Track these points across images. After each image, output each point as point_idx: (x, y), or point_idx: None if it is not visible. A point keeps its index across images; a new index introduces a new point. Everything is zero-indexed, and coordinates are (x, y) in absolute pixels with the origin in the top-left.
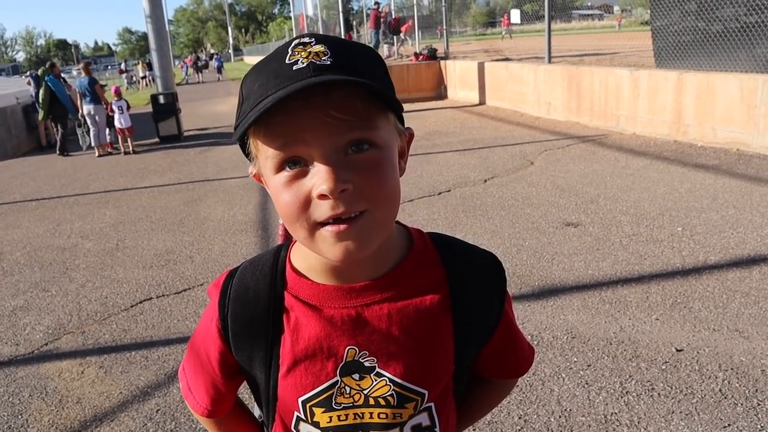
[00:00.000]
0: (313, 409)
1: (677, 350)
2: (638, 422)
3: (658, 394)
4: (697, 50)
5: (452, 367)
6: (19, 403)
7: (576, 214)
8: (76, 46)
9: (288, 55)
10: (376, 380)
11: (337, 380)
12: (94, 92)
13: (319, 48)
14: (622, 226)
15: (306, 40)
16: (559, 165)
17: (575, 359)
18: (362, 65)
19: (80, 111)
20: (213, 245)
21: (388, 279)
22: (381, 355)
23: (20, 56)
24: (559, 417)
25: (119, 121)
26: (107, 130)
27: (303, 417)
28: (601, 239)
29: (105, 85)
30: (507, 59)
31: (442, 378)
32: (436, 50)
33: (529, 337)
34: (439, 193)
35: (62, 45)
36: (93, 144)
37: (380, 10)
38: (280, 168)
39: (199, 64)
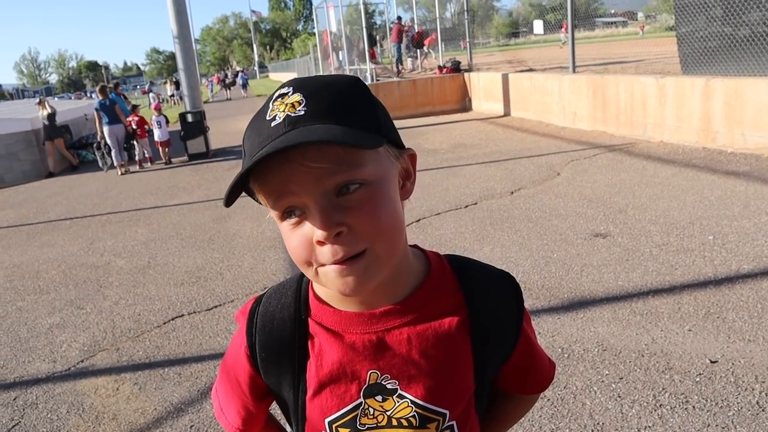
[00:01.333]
0: (339, 429)
1: (711, 362)
2: None
3: (693, 407)
4: (724, 56)
5: (473, 386)
6: (58, 419)
7: (604, 225)
8: (106, 67)
9: (269, 111)
10: (398, 402)
11: (361, 402)
12: (114, 113)
13: (295, 98)
14: (651, 235)
15: (284, 90)
16: (586, 175)
17: (606, 372)
18: (340, 106)
19: (98, 133)
20: (243, 262)
21: (407, 304)
22: (402, 378)
23: (53, 78)
24: (592, 431)
25: (158, 135)
26: (139, 147)
27: None
28: (631, 250)
29: (137, 105)
30: (531, 70)
31: (463, 397)
32: (459, 63)
33: (560, 350)
34: (466, 206)
35: (93, 66)
36: (116, 163)
37: (403, 24)
38: (283, 217)
39: (227, 81)
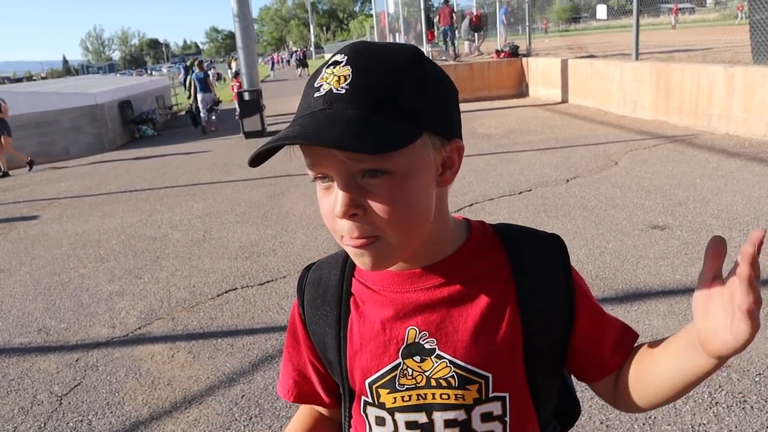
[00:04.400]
0: (379, 390)
1: None
2: None
3: (751, 407)
4: None
5: (521, 354)
6: (116, 381)
7: (663, 217)
8: (167, 45)
9: (319, 77)
10: (436, 362)
11: (400, 362)
12: (206, 84)
13: (344, 71)
14: (712, 230)
15: (339, 57)
16: (645, 165)
17: None
18: (383, 91)
19: (193, 98)
20: (295, 239)
21: (446, 263)
22: (440, 336)
23: (116, 55)
24: (643, 424)
25: None
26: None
27: (370, 400)
28: (690, 243)
29: (239, 71)
30: (591, 56)
31: (509, 362)
32: (518, 47)
33: None
34: (520, 193)
35: (154, 44)
36: (203, 123)
37: (450, 4)
38: (315, 178)
39: (299, 59)
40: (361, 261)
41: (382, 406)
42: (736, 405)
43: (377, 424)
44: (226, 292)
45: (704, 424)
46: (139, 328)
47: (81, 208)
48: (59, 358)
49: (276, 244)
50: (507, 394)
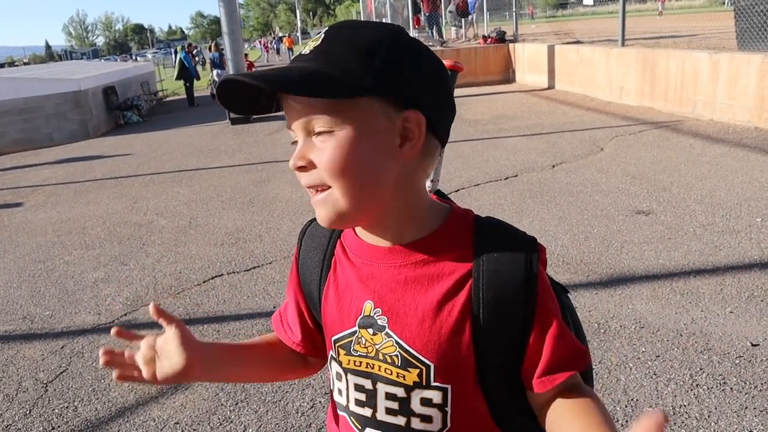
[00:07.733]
0: (339, 349)
1: (752, 345)
2: (708, 416)
3: (731, 388)
4: None
5: (471, 352)
6: (102, 368)
7: (647, 202)
8: (151, 30)
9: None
10: (385, 339)
11: (356, 330)
12: (222, 62)
13: (318, 39)
14: (696, 215)
15: (322, 31)
16: (630, 151)
17: (643, 349)
18: (339, 52)
19: (211, 75)
20: (281, 225)
21: (412, 246)
22: (391, 315)
23: (100, 40)
24: (626, 406)
25: None
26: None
27: (334, 355)
28: (674, 228)
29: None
30: (578, 42)
31: (454, 356)
32: (504, 33)
33: (596, 325)
34: (506, 178)
35: (138, 29)
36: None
37: None
38: (293, 142)
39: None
40: (317, 214)
41: (340, 364)
42: (717, 387)
43: (337, 378)
44: (212, 278)
45: (685, 405)
46: (125, 314)
47: (65, 195)
48: (44, 346)
49: (262, 230)
50: (449, 387)
